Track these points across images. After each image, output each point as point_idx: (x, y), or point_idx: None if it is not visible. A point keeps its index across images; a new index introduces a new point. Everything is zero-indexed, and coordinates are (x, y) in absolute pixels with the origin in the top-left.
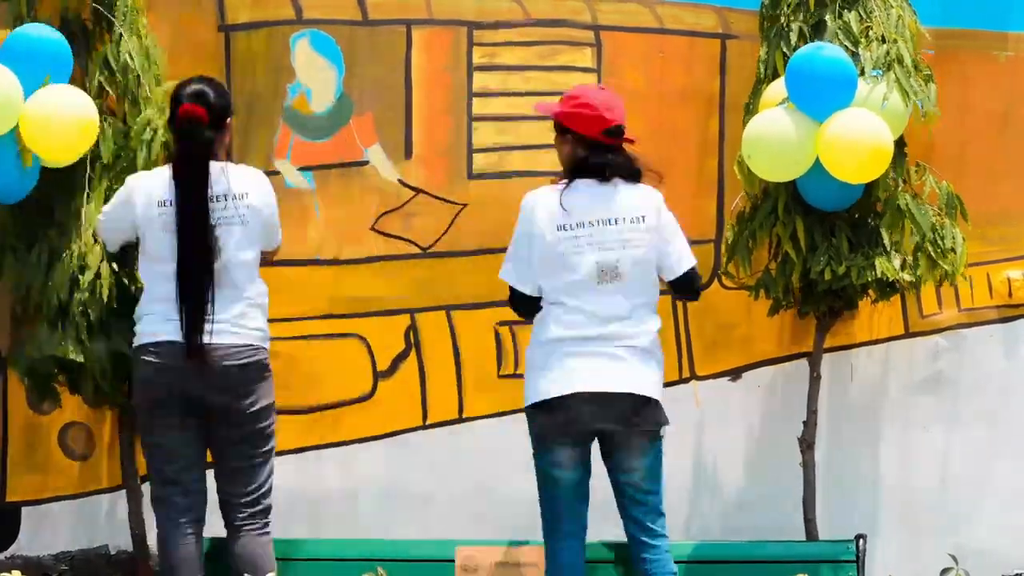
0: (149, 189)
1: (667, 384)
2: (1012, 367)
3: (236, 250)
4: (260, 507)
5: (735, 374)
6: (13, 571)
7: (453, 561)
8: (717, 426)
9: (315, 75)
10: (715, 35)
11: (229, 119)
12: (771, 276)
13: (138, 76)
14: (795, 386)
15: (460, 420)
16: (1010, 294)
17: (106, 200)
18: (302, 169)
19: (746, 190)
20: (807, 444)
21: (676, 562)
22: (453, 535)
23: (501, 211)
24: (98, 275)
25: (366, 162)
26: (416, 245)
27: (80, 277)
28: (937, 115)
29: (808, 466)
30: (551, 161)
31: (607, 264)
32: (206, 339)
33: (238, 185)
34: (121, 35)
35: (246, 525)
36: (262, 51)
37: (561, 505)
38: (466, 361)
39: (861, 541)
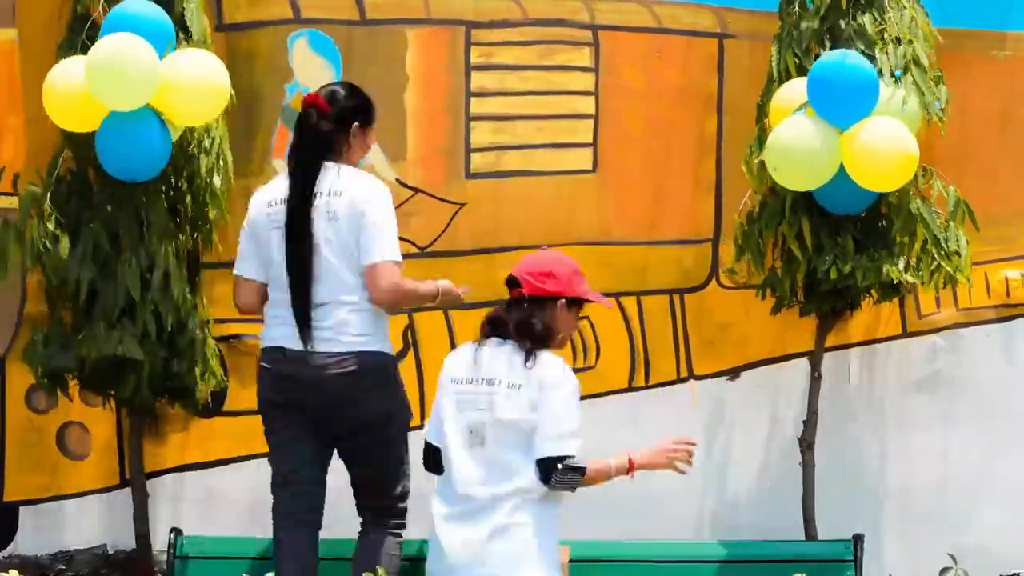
0: (260, 194)
1: (665, 383)
2: (1010, 367)
3: (330, 251)
4: (392, 509)
5: (733, 374)
6: (11, 571)
7: None
8: (715, 426)
9: (313, 75)
10: (713, 35)
11: (356, 124)
12: (776, 275)
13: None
14: (794, 386)
15: None
16: (1008, 294)
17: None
18: None
19: (755, 190)
20: (806, 444)
21: (676, 562)
22: None
23: (499, 211)
24: (167, 275)
25: (364, 161)
26: (414, 245)
27: (149, 277)
28: (944, 117)
29: (807, 466)
30: (549, 161)
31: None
32: (310, 346)
33: (341, 183)
34: (184, 38)
35: (375, 523)
36: (260, 51)
37: None
38: None
39: (860, 541)
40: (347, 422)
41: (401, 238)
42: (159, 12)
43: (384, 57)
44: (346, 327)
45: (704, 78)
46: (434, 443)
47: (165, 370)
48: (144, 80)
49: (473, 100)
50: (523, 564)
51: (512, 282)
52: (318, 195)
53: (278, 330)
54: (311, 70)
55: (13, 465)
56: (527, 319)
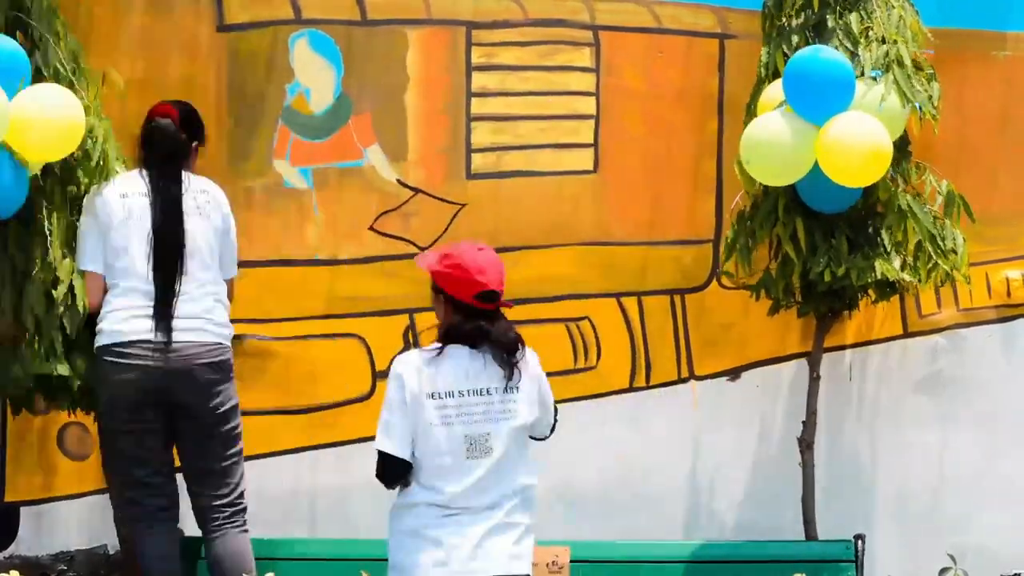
0: (106, 189)
1: (666, 384)
2: (1011, 367)
3: (202, 243)
4: (240, 506)
5: (734, 374)
6: (12, 571)
7: None
8: (716, 426)
9: (314, 75)
10: (713, 35)
11: (197, 144)
12: (771, 276)
13: (72, 83)
14: (794, 386)
15: None
16: (1009, 294)
17: (70, 210)
18: (301, 169)
19: (747, 190)
20: (806, 444)
21: (676, 562)
22: None
23: (500, 211)
24: (71, 288)
25: (365, 162)
26: (415, 245)
27: (54, 292)
28: (936, 115)
29: (807, 466)
30: (550, 161)
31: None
32: (175, 336)
33: (203, 185)
34: (44, 39)
35: (226, 524)
36: (261, 51)
37: None
38: None
39: (860, 541)
40: (211, 412)
41: (402, 239)
42: (12, 46)
43: (385, 57)
44: (212, 317)
45: (705, 78)
46: (406, 457)
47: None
48: None
49: (474, 100)
50: (521, 560)
51: (492, 296)
52: (185, 191)
53: (138, 323)
54: (312, 70)
55: (14, 466)
56: (512, 330)
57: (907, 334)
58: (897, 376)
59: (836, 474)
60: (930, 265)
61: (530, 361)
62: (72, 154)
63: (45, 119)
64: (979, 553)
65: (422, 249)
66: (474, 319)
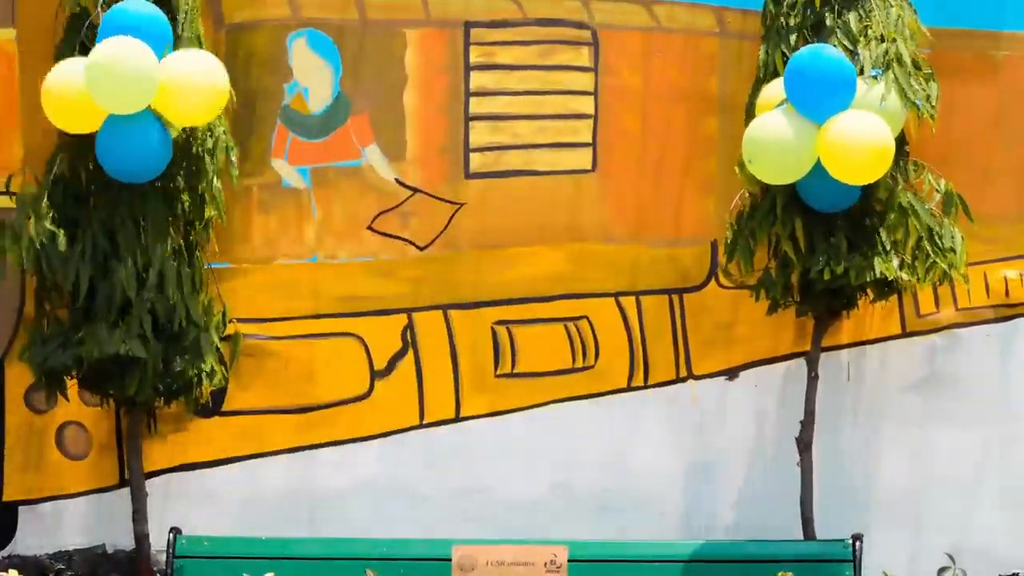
0: None
1: (664, 383)
2: (1009, 366)
3: None
4: None
5: (732, 373)
6: (10, 570)
7: (450, 560)
8: (714, 426)
9: (312, 74)
10: (712, 34)
11: None
12: (770, 276)
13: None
14: (792, 386)
15: (457, 419)
16: (1007, 293)
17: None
18: (299, 168)
19: (747, 189)
20: (805, 444)
21: (673, 561)
22: (450, 534)
23: (498, 210)
24: (161, 275)
25: (363, 161)
26: (413, 244)
27: (145, 276)
28: (934, 114)
29: (805, 466)
30: (548, 160)
31: None
32: None
33: None
34: (180, 37)
35: None
36: (260, 50)
37: None
38: (463, 360)
39: (858, 540)
40: None
41: (400, 238)
42: (156, 12)
43: (383, 57)
44: None
45: (703, 78)
46: None
47: (167, 368)
48: (143, 84)
49: (472, 100)
50: None
51: None
52: None
53: None
54: (310, 70)
55: (13, 465)
56: None
57: (905, 334)
58: (896, 376)
59: (835, 474)
60: (928, 264)
61: None
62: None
63: (191, 83)
64: (979, 553)
65: (421, 249)
66: None
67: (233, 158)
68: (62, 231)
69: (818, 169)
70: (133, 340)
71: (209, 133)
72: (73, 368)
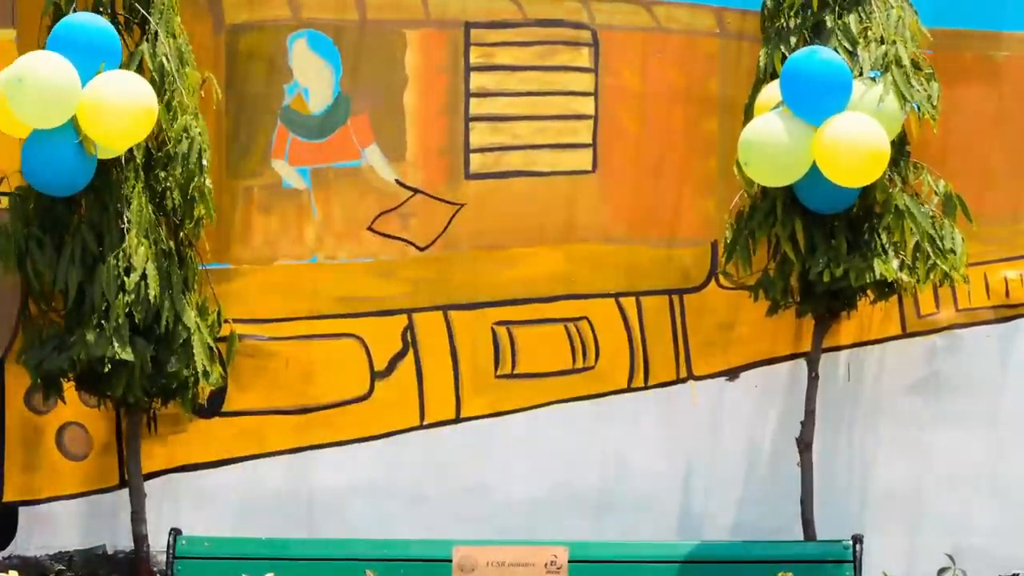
0: None
1: (664, 384)
2: (1009, 367)
3: None
4: None
5: (732, 374)
6: (10, 571)
7: (450, 561)
8: (714, 426)
9: (312, 75)
10: (712, 35)
11: None
12: (770, 277)
13: (174, 79)
14: (792, 386)
15: (457, 420)
16: (1007, 294)
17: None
18: (299, 169)
19: (745, 190)
20: (805, 444)
21: (674, 562)
22: (450, 535)
23: (498, 211)
24: (144, 276)
25: (363, 162)
26: (413, 245)
27: (126, 279)
28: (935, 115)
29: (806, 466)
30: (548, 161)
31: None
32: None
33: None
34: (157, 33)
35: None
36: (260, 51)
37: None
38: (463, 361)
39: (859, 541)
40: None
41: (401, 238)
42: (103, 26)
43: (383, 57)
44: None
45: (703, 78)
46: None
47: (157, 370)
48: (59, 100)
49: (472, 100)
50: None
51: None
52: None
53: None
54: (310, 70)
55: (13, 465)
56: None
57: (905, 334)
58: (896, 376)
59: (835, 474)
60: (929, 265)
61: None
62: (160, 147)
63: (114, 105)
64: (979, 553)
65: (421, 249)
66: None
67: (204, 161)
68: (47, 236)
69: (815, 171)
70: (118, 342)
71: (185, 134)
72: (68, 371)
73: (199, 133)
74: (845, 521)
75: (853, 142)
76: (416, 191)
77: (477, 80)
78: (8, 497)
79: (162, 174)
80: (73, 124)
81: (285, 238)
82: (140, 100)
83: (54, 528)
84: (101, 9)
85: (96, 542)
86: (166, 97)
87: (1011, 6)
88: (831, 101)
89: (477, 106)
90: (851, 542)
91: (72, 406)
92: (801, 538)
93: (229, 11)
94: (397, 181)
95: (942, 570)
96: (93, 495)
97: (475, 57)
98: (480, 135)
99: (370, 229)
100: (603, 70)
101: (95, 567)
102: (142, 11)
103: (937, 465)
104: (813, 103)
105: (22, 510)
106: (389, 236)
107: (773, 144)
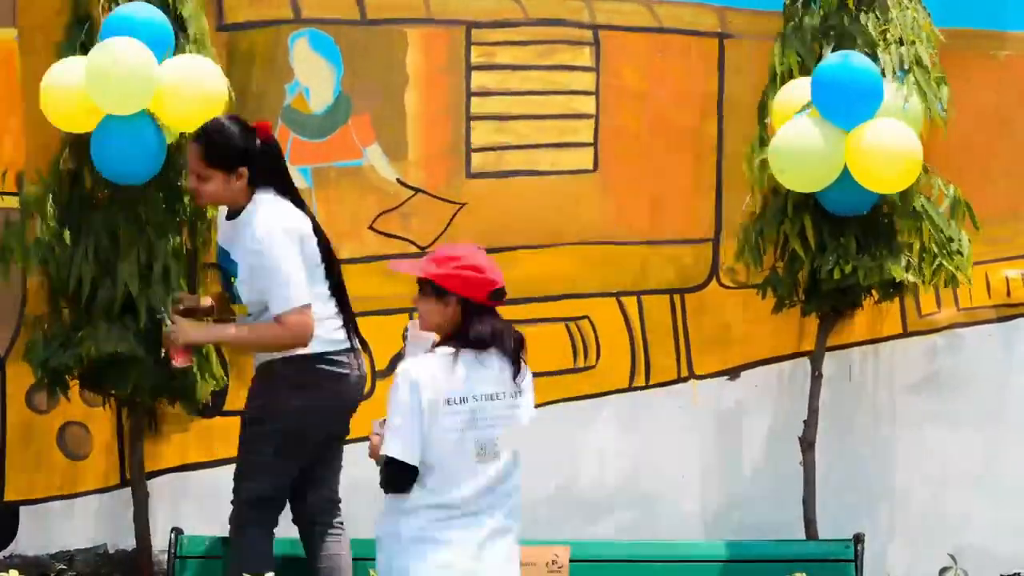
0: (299, 216)
1: (665, 383)
2: (1010, 366)
3: None
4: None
5: (733, 373)
6: (11, 570)
7: None
8: (716, 425)
9: (314, 74)
10: (714, 34)
11: None
12: (778, 274)
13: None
14: (794, 385)
15: None
16: (1008, 293)
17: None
18: (300, 168)
19: (757, 188)
20: (807, 444)
21: (675, 562)
22: None
23: (499, 210)
24: (165, 271)
25: (364, 161)
26: (415, 244)
27: (148, 273)
28: (946, 117)
29: (808, 466)
30: (550, 160)
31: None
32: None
33: None
34: (193, 14)
35: (335, 527)
36: (261, 51)
37: None
38: None
39: (860, 541)
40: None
41: (402, 238)
42: (159, 15)
43: (384, 57)
44: None
45: (705, 78)
46: (416, 464)
47: (164, 369)
48: (141, 85)
49: (474, 100)
50: (514, 564)
51: (502, 293)
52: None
53: (342, 332)
54: (312, 70)
55: (14, 465)
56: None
57: (907, 333)
58: (897, 376)
59: (837, 474)
60: (935, 266)
61: (525, 368)
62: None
63: (189, 88)
64: (979, 553)
65: (422, 249)
66: (486, 319)
67: None
68: (67, 231)
69: (842, 175)
70: (130, 338)
71: None
72: (74, 368)
73: None
74: (847, 520)
75: (889, 149)
76: (417, 190)
77: (478, 79)
78: (9, 496)
79: (178, 175)
80: (146, 110)
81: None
82: (214, 83)
83: (55, 527)
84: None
85: (97, 541)
86: None
87: (1014, 6)
88: (863, 108)
89: (478, 105)
90: (853, 541)
91: (73, 405)
92: (803, 537)
93: (229, 10)
94: (398, 180)
95: (944, 569)
96: (94, 494)
97: (476, 56)
98: (481, 134)
99: (371, 228)
100: (604, 69)
101: (96, 566)
102: (182, 15)
103: (939, 464)
104: (846, 109)
105: (23, 509)
106: (390, 235)
107: (808, 151)
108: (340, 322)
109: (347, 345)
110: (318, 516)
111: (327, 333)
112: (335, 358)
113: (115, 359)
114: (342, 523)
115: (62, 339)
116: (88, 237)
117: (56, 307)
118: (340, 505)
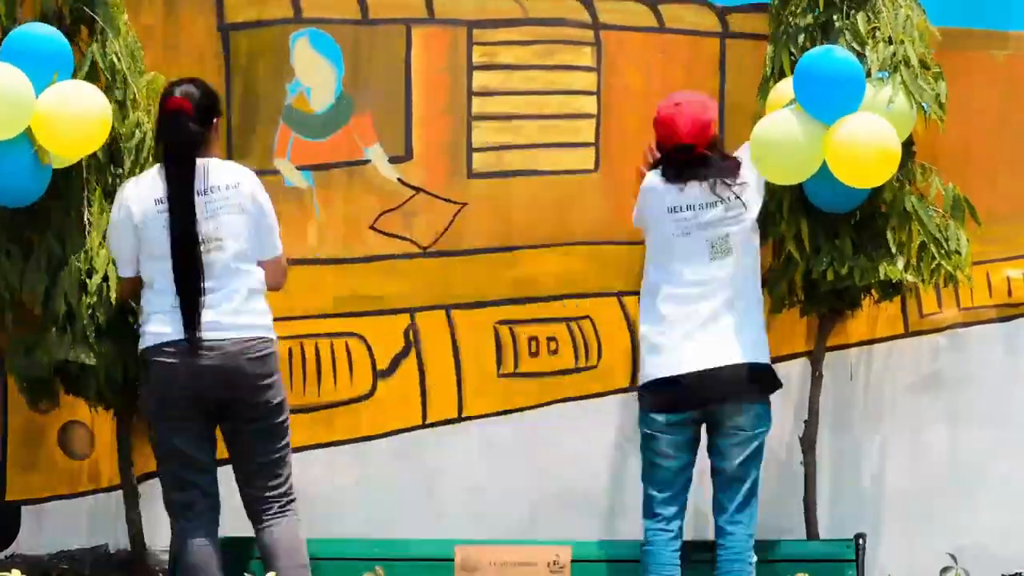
0: (141, 191)
1: None
2: (1012, 366)
3: (235, 240)
4: (291, 497)
5: None
6: (13, 570)
7: (452, 560)
8: None
9: (315, 74)
10: (715, 34)
11: (216, 119)
12: (774, 275)
13: (125, 77)
14: (795, 385)
15: (460, 419)
16: (1010, 293)
17: (106, 203)
18: (302, 168)
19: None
20: (808, 444)
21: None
22: (452, 534)
23: (501, 210)
24: (106, 278)
25: (366, 161)
26: (416, 244)
27: (88, 281)
28: (943, 115)
29: (809, 466)
30: (551, 160)
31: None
32: (211, 335)
33: (227, 177)
34: (104, 33)
35: (278, 514)
36: (261, 50)
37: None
38: (466, 360)
39: (861, 540)
40: (261, 407)
41: (403, 238)
42: (52, 36)
43: (386, 56)
44: (244, 312)
45: (706, 78)
46: None
47: (125, 372)
48: (17, 111)
49: (475, 99)
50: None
51: (687, 148)
52: (205, 191)
53: (169, 325)
54: (313, 69)
55: (15, 465)
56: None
57: (908, 333)
58: (898, 375)
59: (837, 474)
60: (933, 265)
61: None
62: (119, 145)
63: (70, 116)
64: (980, 553)
65: (424, 249)
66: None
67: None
68: (14, 244)
69: (826, 170)
70: (80, 346)
71: (137, 129)
72: (40, 375)
73: (150, 129)
74: (847, 520)
75: (865, 143)
76: (418, 190)
77: (479, 79)
78: (10, 496)
79: (118, 171)
80: (27, 135)
81: (287, 237)
82: (94, 110)
83: (56, 527)
84: (48, 16)
85: (98, 541)
86: (119, 95)
87: (1015, 5)
88: (845, 100)
89: (479, 105)
90: (853, 541)
91: (74, 405)
92: (804, 537)
93: (230, 9)
94: (399, 180)
95: (945, 569)
96: (95, 494)
97: (477, 56)
98: (482, 134)
99: (372, 228)
100: (606, 69)
101: (97, 566)
102: (88, 11)
103: (940, 464)
104: (826, 102)
105: (24, 509)
106: (391, 235)
107: (785, 142)
108: (169, 315)
109: (176, 337)
110: (252, 512)
111: (153, 327)
112: (164, 350)
113: (69, 366)
114: (284, 512)
115: (26, 348)
116: (41, 247)
117: (19, 316)
118: (281, 499)
